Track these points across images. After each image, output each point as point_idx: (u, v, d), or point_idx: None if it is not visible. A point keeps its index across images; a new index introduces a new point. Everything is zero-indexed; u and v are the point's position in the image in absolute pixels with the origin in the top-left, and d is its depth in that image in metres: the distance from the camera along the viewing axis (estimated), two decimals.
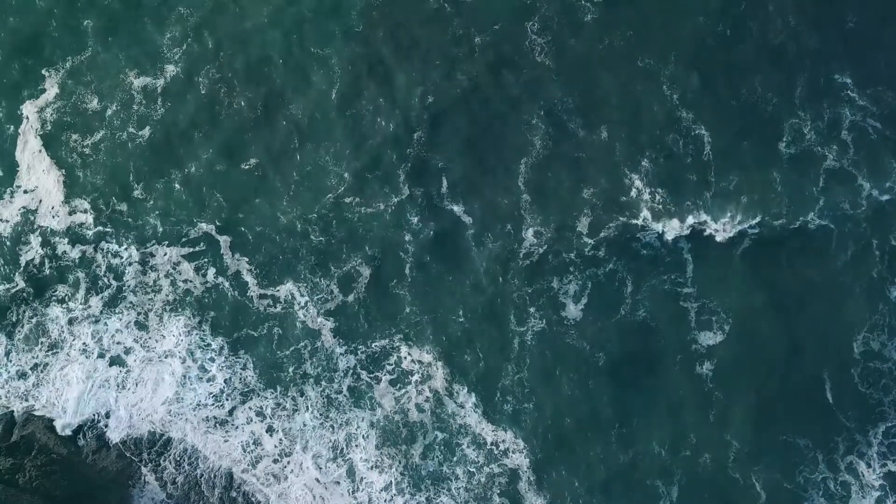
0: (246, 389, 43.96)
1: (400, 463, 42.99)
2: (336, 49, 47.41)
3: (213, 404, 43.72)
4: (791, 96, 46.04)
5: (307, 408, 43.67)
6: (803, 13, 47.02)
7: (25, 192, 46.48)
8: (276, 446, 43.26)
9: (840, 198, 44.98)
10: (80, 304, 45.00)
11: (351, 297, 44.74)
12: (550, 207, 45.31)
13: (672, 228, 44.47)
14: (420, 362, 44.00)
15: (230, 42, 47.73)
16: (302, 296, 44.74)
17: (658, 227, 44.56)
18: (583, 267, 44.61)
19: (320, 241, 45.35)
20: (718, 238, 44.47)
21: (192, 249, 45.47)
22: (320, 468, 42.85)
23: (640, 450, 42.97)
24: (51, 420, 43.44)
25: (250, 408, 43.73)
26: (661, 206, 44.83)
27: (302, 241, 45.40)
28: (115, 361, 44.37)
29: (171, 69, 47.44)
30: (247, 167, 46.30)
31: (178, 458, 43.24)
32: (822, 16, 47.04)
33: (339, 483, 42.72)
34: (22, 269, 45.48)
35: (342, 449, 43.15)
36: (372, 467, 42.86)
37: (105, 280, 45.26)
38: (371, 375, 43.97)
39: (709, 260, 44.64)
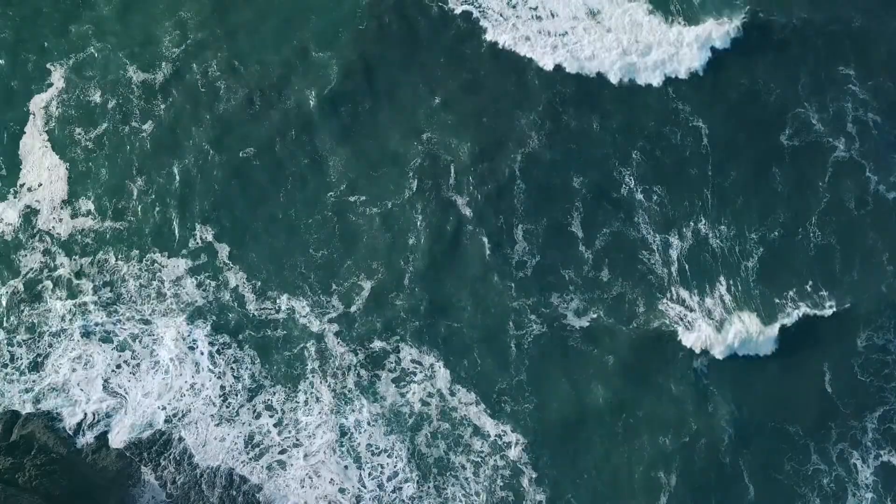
0: (253, 385, 43.80)
1: (408, 450, 42.83)
2: (338, 47, 47.66)
3: (219, 398, 43.62)
4: (794, 90, 46.28)
5: (316, 399, 43.49)
6: (804, 6, 47.47)
7: (29, 189, 46.66)
8: (285, 438, 43.08)
9: (846, 194, 45.01)
10: (83, 300, 45.02)
11: (354, 301, 44.64)
12: (550, 209, 45.36)
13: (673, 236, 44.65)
14: (421, 363, 43.87)
15: (231, 40, 48.09)
16: (305, 296, 44.70)
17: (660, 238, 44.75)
18: (584, 266, 44.61)
19: (321, 241, 45.36)
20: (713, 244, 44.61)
21: (193, 248, 45.53)
22: (328, 455, 42.70)
23: (642, 443, 42.90)
24: (51, 419, 43.28)
25: (258, 401, 43.58)
26: (658, 209, 44.95)
27: (303, 240, 45.40)
28: (118, 357, 44.26)
29: (170, 66, 47.82)
30: (246, 165, 46.44)
31: (178, 458, 43.06)
32: (824, 8, 47.44)
33: (346, 468, 42.56)
34: (24, 268, 45.52)
35: (350, 436, 42.99)
36: (379, 452, 42.75)
37: (106, 278, 45.31)
38: (373, 373, 43.79)
39: (708, 259, 44.84)
